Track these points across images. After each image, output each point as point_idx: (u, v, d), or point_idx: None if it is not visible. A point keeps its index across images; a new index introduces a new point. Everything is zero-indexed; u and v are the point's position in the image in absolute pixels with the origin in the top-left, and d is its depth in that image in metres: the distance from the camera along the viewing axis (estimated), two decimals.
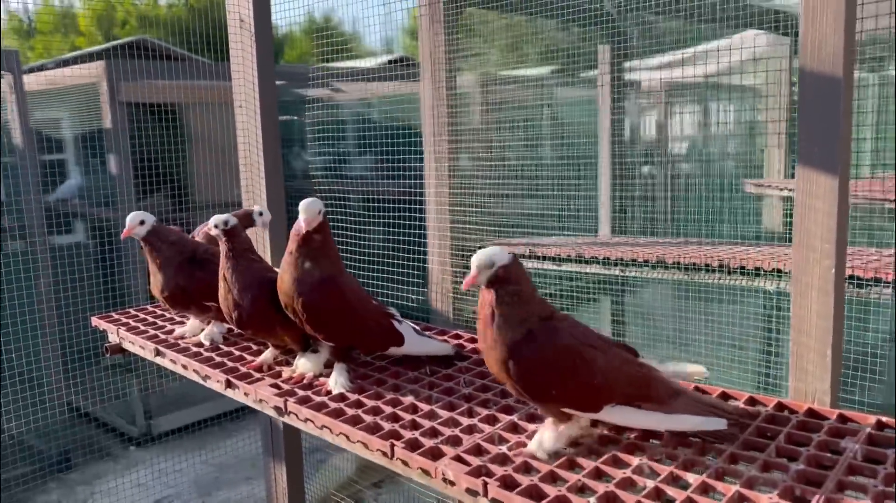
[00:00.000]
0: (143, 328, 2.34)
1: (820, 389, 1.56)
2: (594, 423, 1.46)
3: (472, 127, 4.00)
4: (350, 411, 1.62)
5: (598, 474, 1.31)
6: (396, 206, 3.97)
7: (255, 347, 2.10)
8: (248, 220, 2.36)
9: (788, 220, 5.00)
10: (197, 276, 2.06)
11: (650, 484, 1.25)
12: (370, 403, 1.67)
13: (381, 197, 4.54)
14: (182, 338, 2.20)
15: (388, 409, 1.62)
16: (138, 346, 2.25)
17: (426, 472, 1.40)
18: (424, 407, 1.63)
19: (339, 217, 3.76)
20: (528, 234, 4.14)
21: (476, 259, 1.38)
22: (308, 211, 1.67)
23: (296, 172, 6.41)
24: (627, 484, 1.27)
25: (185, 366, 2.04)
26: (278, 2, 4.36)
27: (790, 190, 4.82)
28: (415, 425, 1.55)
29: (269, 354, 1.97)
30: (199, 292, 2.08)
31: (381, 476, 4.91)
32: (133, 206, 5.14)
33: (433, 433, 1.51)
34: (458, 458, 1.38)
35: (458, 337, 2.12)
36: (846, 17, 1.45)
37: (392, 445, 1.45)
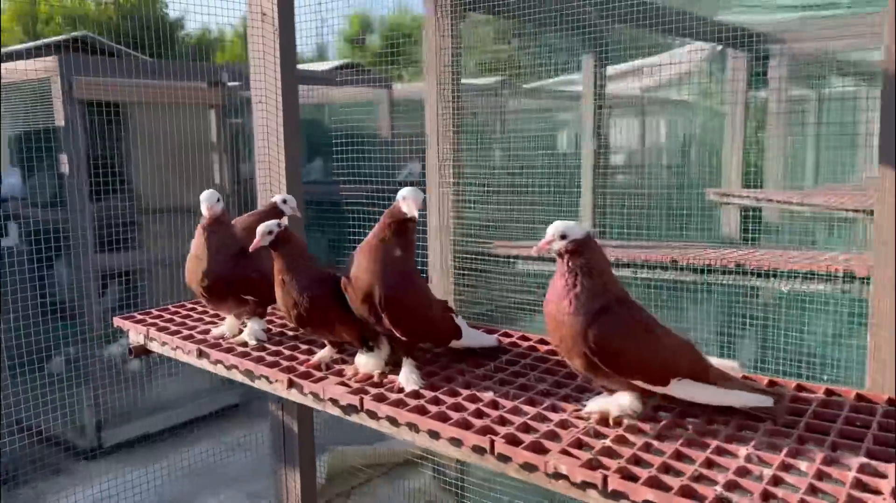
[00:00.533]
0: (174, 328, 2.25)
1: None
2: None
3: (473, 131, 4.03)
4: (432, 408, 1.60)
5: (710, 464, 1.33)
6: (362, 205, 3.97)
7: (303, 346, 2.06)
8: (274, 213, 2.31)
9: (743, 225, 5.22)
10: (241, 265, 2.02)
11: (766, 472, 1.27)
12: (448, 400, 1.65)
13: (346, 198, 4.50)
14: (222, 337, 2.13)
15: (471, 406, 1.61)
16: (173, 348, 2.17)
17: (531, 467, 1.39)
18: (506, 402, 1.62)
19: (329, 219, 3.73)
20: (530, 236, 4.18)
21: (553, 228, 1.47)
22: (416, 197, 1.65)
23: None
24: (744, 473, 1.29)
25: (233, 367, 1.98)
26: (214, 4, 4.26)
27: (749, 198, 5.02)
28: (503, 421, 1.54)
29: (326, 352, 1.93)
30: (241, 283, 2.03)
31: (352, 484, 4.86)
32: (86, 207, 4.92)
33: (526, 428, 1.50)
34: (565, 452, 1.38)
35: (491, 331, 2.12)
36: None
37: (492, 441, 1.44)
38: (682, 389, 1.49)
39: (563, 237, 1.47)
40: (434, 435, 1.55)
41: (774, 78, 5.38)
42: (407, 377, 1.72)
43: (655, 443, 1.41)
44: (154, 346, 2.27)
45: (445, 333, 1.81)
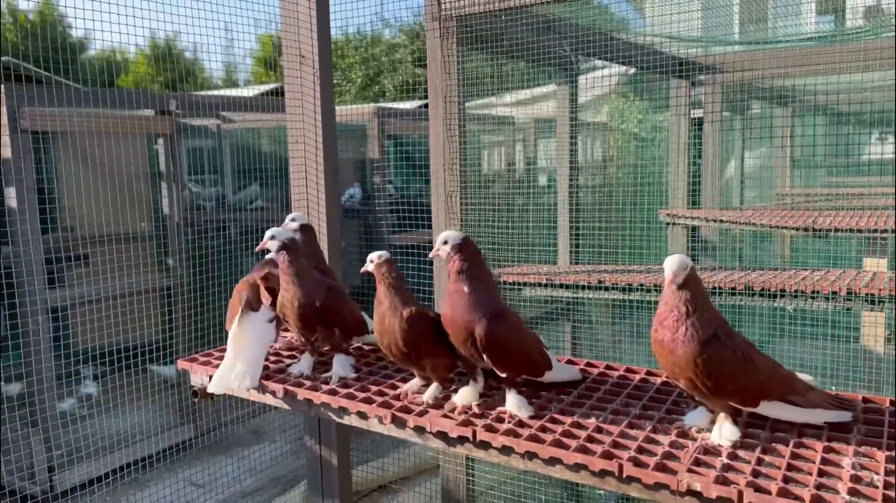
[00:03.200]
0: None
1: None
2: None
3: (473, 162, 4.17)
4: (545, 436, 1.72)
5: (822, 473, 1.50)
6: None
7: (385, 380, 2.14)
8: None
9: (690, 244, 5.58)
10: (332, 294, 2.12)
11: (876, 478, 1.45)
12: (554, 427, 1.77)
13: None
14: (302, 375, 2.19)
15: (579, 432, 1.73)
16: (265, 392, 2.20)
17: (661, 486, 1.52)
18: (610, 427, 1.75)
19: None
20: (531, 260, 4.35)
21: (673, 262, 1.62)
22: (450, 238, 1.79)
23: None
24: (857, 480, 1.46)
25: (341, 409, 2.04)
26: (117, 23, 4.20)
27: (696, 218, 5.37)
28: (616, 444, 1.67)
29: (415, 383, 2.02)
30: (331, 312, 2.13)
31: None
32: (35, 240, 4.74)
33: (640, 450, 1.64)
34: (692, 471, 1.52)
35: (571, 362, 2.26)
36: None
37: (620, 465, 1.57)
38: (770, 409, 1.67)
39: (685, 268, 1.63)
40: (554, 461, 1.66)
41: (709, 104, 5.80)
42: (518, 406, 1.83)
43: (766, 457, 1.57)
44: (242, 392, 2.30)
45: (540, 366, 1.93)
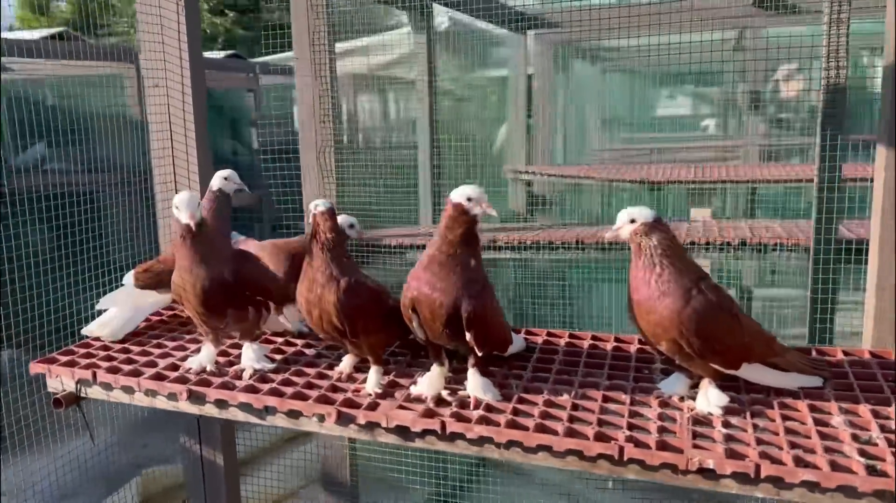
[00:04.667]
0: (131, 367, 1.85)
1: None
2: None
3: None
4: (526, 421, 1.52)
5: (823, 435, 1.44)
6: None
7: (308, 369, 1.81)
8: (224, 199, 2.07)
9: (528, 201, 5.69)
10: (240, 261, 1.81)
11: (874, 435, 1.42)
12: (528, 409, 1.58)
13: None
14: (204, 371, 1.80)
15: (560, 412, 1.56)
16: (144, 392, 1.78)
17: (670, 466, 1.39)
18: (589, 404, 1.60)
19: None
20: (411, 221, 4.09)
21: (637, 213, 1.50)
22: (481, 194, 1.52)
23: None
24: (854, 439, 1.42)
25: (272, 408, 1.69)
26: None
27: (537, 174, 5.46)
28: (602, 423, 1.52)
29: (348, 362, 1.75)
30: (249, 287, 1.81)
31: None
32: None
33: (630, 426, 1.49)
34: (697, 447, 1.40)
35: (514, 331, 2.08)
36: None
37: (620, 448, 1.41)
38: (750, 372, 1.59)
39: (632, 221, 1.50)
40: (540, 449, 1.47)
41: (540, 61, 5.86)
42: (483, 388, 1.61)
43: (760, 423, 1.49)
44: (96, 393, 1.85)
45: (508, 340, 1.73)
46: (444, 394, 1.63)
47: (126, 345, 2.00)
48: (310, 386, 1.73)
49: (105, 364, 1.87)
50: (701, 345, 1.48)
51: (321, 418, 1.62)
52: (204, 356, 1.82)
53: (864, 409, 1.52)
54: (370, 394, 1.65)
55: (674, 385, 1.63)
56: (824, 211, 2.63)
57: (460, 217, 1.53)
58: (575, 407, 1.59)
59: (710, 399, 1.54)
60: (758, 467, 1.33)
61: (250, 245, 2.01)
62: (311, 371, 1.81)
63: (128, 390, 1.80)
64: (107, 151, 3.78)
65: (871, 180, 1.90)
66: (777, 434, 1.45)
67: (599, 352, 1.90)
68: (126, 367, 1.84)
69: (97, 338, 2.01)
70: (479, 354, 1.59)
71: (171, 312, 2.28)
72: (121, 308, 2.03)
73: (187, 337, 2.08)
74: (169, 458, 4.32)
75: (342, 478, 3.34)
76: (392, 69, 6.21)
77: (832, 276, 2.65)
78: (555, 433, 1.47)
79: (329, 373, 1.80)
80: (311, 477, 4.10)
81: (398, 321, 1.65)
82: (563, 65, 6.39)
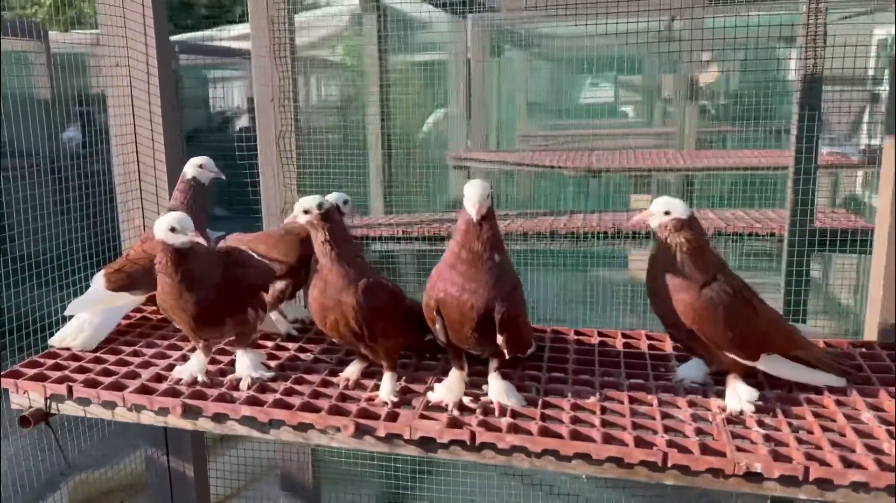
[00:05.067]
0: (111, 380, 1.67)
1: None
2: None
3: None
4: (559, 428, 1.45)
5: (859, 433, 1.43)
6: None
7: (310, 376, 1.69)
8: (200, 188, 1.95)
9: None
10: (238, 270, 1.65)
11: None
12: (558, 414, 1.51)
13: None
14: (195, 381, 1.64)
15: (590, 417, 1.49)
16: (128, 408, 1.60)
17: (716, 471, 1.34)
18: (617, 407, 1.54)
19: None
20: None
21: (669, 204, 1.49)
22: (475, 192, 1.41)
23: None
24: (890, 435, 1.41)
25: (281, 423, 1.54)
26: None
27: (480, 161, 5.41)
28: (636, 426, 1.46)
29: (355, 369, 1.64)
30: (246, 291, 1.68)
31: None
32: None
33: (666, 429, 1.45)
34: (741, 450, 1.37)
35: None
36: None
37: (664, 454, 1.36)
38: (770, 364, 1.57)
39: (666, 213, 1.48)
40: (578, 457, 1.40)
41: (476, 43, 5.80)
42: (507, 393, 1.52)
43: (794, 421, 1.46)
44: (70, 409, 1.66)
45: (531, 342, 1.67)
46: (466, 400, 1.54)
47: (98, 355, 1.81)
48: (316, 395, 1.60)
49: (79, 376, 1.68)
50: (715, 334, 1.48)
51: (336, 430, 1.50)
52: (194, 365, 1.66)
53: (889, 404, 1.52)
54: (386, 403, 1.54)
55: (692, 370, 1.62)
56: (799, 203, 2.66)
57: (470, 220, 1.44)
58: (603, 410, 1.53)
59: (740, 394, 1.51)
60: (807, 470, 1.30)
61: (241, 239, 1.85)
62: (314, 378, 1.68)
63: (109, 405, 1.62)
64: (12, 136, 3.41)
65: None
66: (812, 432, 1.43)
67: (611, 350, 1.85)
68: (105, 380, 1.66)
69: (66, 348, 1.82)
70: (507, 357, 1.50)
71: (139, 315, 2.09)
72: (91, 314, 1.83)
73: (165, 343, 1.90)
74: (100, 461, 4.04)
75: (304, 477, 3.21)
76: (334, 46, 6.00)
77: (805, 268, 2.69)
78: (591, 440, 1.41)
79: (333, 380, 1.67)
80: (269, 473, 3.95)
81: (416, 323, 1.55)
82: (497, 50, 6.33)
